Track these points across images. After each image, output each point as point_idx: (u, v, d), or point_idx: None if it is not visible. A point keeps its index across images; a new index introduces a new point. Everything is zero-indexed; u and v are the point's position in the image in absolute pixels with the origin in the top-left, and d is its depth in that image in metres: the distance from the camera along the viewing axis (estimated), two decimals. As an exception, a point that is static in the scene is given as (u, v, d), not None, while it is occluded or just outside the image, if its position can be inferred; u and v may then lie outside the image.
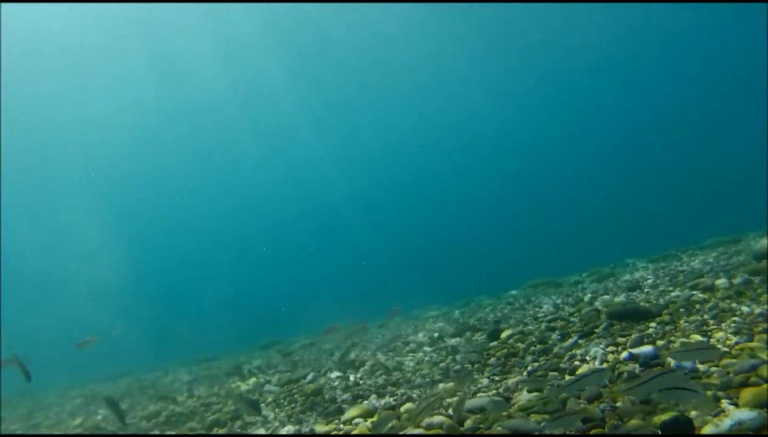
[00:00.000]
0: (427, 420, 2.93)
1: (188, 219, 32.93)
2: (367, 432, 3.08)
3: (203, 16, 18.35)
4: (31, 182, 26.15)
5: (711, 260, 7.06)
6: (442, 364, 4.55)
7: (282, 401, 4.49)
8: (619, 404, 2.54)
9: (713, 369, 2.76)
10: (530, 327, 5.22)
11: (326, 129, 27.64)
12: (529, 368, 3.65)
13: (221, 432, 3.96)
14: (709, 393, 2.38)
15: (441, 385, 3.81)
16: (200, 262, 32.71)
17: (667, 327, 3.88)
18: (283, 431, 3.54)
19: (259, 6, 18.28)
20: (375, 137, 29.87)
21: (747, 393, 2.26)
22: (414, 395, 3.66)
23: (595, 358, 3.46)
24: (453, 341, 5.66)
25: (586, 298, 6.47)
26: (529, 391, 3.08)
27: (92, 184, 27.64)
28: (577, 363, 3.52)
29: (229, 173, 30.44)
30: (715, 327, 3.60)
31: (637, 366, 3.11)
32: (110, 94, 22.01)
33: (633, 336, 3.78)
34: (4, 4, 15.50)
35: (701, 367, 2.83)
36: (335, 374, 5.24)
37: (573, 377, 2.54)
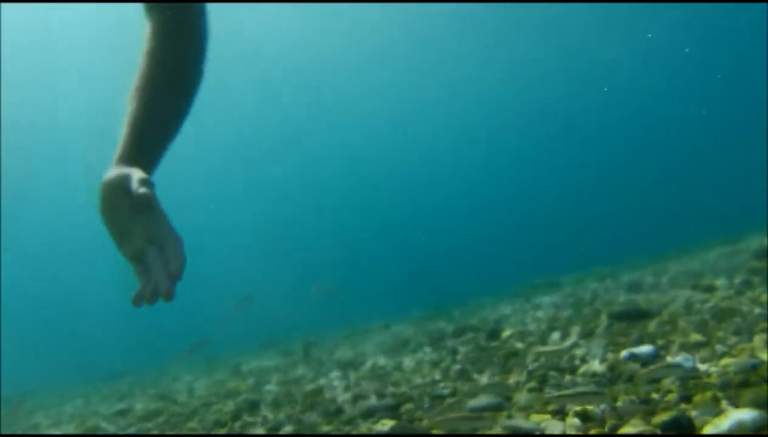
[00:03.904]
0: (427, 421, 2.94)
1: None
2: (368, 432, 3.08)
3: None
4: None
5: (711, 260, 7.07)
6: (442, 364, 4.55)
7: (282, 401, 4.49)
8: (619, 404, 2.55)
9: (713, 368, 2.76)
10: (530, 327, 5.23)
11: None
12: (530, 368, 3.66)
13: (221, 432, 3.97)
14: (708, 393, 2.39)
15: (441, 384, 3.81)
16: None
17: (667, 327, 3.90)
18: (283, 431, 3.54)
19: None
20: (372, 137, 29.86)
21: (747, 393, 2.26)
22: (414, 395, 3.66)
23: (595, 358, 3.47)
24: (453, 341, 5.67)
25: (587, 298, 6.49)
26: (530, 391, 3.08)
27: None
28: (577, 362, 3.53)
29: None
30: (714, 326, 3.61)
31: (637, 365, 3.12)
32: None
33: (633, 335, 3.80)
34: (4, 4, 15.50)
35: (701, 367, 2.84)
36: (335, 373, 5.25)
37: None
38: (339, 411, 3.70)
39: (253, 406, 4.49)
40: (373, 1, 18.23)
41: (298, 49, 21.99)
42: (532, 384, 3.26)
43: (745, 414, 2.04)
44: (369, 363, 5.41)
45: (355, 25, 20.42)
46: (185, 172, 29.54)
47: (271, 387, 5.34)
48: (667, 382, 2.68)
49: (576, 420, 2.49)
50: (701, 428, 2.10)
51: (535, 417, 2.65)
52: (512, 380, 3.49)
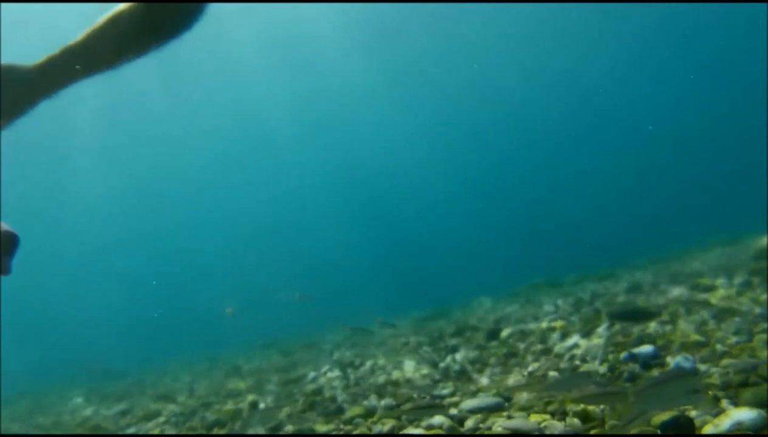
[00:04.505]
0: (427, 421, 2.93)
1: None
2: (368, 432, 3.08)
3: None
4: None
5: (711, 260, 7.07)
6: (442, 364, 4.55)
7: (282, 400, 4.49)
8: (619, 404, 2.55)
9: (713, 369, 2.76)
10: (530, 327, 5.23)
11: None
12: (530, 368, 3.66)
13: (221, 432, 3.97)
14: (710, 393, 2.39)
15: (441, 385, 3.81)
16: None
17: (667, 327, 3.89)
18: (283, 431, 3.54)
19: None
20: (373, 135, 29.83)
21: (747, 393, 2.26)
22: (414, 395, 3.67)
23: (595, 358, 3.47)
24: (453, 340, 5.67)
25: (586, 298, 6.48)
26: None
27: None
28: (577, 362, 3.53)
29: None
30: (714, 327, 3.61)
31: (636, 366, 3.12)
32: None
33: (633, 335, 3.80)
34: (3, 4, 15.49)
35: (701, 367, 2.84)
36: (335, 373, 5.25)
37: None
38: (339, 410, 3.70)
39: (254, 406, 4.49)
40: (366, 0, 18.20)
41: (289, 56, 21.90)
42: (533, 383, 3.26)
43: (744, 414, 2.04)
44: (369, 363, 5.41)
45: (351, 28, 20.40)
46: (190, 173, 29.59)
47: (272, 387, 5.34)
48: (667, 382, 2.69)
49: (576, 420, 2.49)
50: (701, 428, 2.10)
51: (535, 417, 2.65)
52: (512, 380, 3.49)
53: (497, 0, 18.67)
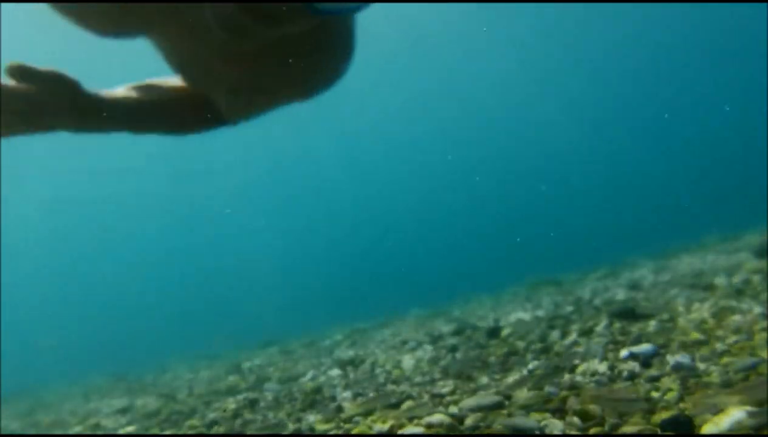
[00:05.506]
0: (427, 419, 2.94)
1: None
2: (367, 431, 3.08)
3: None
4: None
5: (710, 258, 7.08)
6: (441, 363, 4.55)
7: (282, 399, 4.50)
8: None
9: (713, 367, 2.77)
10: (530, 326, 5.24)
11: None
12: (530, 366, 3.66)
13: (221, 430, 3.97)
14: (710, 391, 2.39)
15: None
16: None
17: (667, 326, 3.90)
18: (283, 430, 3.54)
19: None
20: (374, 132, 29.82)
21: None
22: (414, 393, 3.67)
23: (595, 356, 3.47)
24: (452, 339, 5.67)
25: (586, 296, 6.49)
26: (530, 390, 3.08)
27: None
28: (576, 361, 3.53)
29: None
30: (714, 325, 3.61)
31: (637, 364, 3.12)
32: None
33: (633, 334, 3.80)
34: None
35: (701, 366, 2.84)
36: (335, 372, 5.25)
37: None
38: (339, 409, 3.71)
39: (253, 404, 4.50)
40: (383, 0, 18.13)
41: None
42: (532, 382, 3.26)
43: (744, 413, 2.04)
44: (369, 361, 5.41)
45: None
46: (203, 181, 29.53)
47: (272, 385, 5.35)
48: (667, 381, 2.69)
49: (576, 419, 2.49)
50: (701, 426, 2.10)
51: (535, 416, 2.65)
52: (512, 378, 3.49)
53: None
